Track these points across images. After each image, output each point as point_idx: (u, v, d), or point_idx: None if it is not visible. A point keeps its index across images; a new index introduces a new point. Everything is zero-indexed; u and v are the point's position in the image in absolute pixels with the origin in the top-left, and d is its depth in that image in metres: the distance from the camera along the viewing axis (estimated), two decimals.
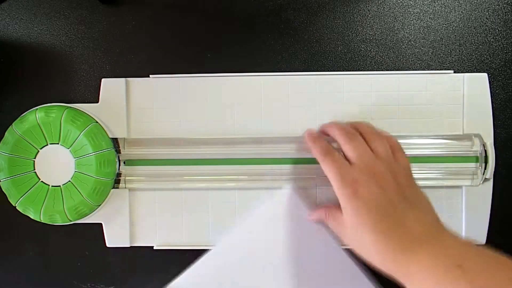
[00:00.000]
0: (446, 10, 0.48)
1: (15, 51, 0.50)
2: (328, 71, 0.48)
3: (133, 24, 0.49)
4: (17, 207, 0.47)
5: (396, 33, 0.48)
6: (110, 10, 0.49)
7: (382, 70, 0.48)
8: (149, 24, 0.49)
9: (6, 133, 0.47)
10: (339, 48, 0.49)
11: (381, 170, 0.40)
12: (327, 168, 0.41)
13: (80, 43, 0.49)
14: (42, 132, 0.47)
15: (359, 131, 0.43)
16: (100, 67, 0.49)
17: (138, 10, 0.49)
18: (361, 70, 0.48)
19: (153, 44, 0.49)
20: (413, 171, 0.46)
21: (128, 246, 0.49)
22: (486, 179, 0.47)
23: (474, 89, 0.47)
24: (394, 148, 0.43)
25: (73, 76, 0.49)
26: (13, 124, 0.47)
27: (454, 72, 0.48)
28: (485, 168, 0.47)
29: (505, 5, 0.48)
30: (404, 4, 0.48)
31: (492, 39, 0.48)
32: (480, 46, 0.48)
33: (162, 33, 0.49)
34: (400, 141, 0.47)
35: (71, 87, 0.49)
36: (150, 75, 0.48)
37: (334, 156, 0.41)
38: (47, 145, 0.47)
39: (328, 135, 0.45)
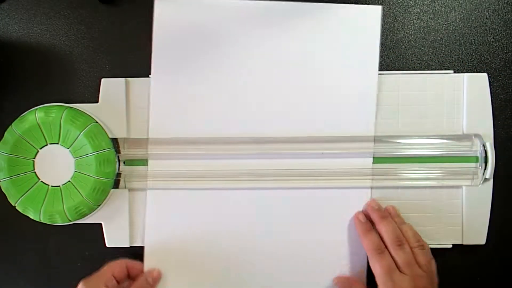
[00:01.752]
0: (446, 10, 0.48)
1: (15, 51, 0.50)
2: None
3: (133, 24, 0.49)
4: (16, 207, 0.47)
5: (396, 33, 0.48)
6: (110, 10, 0.49)
7: (382, 70, 0.48)
8: (149, 24, 0.49)
9: (5, 133, 0.47)
10: None
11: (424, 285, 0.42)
12: (377, 265, 0.43)
13: (80, 43, 0.49)
14: (42, 132, 0.47)
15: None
16: (100, 67, 0.49)
17: (138, 10, 0.49)
18: None
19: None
20: (413, 171, 0.47)
21: (128, 246, 0.49)
22: (486, 179, 0.47)
23: (474, 89, 0.47)
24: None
25: (73, 76, 0.49)
26: (12, 124, 0.47)
27: (454, 72, 0.48)
28: (485, 168, 0.47)
29: (505, 5, 0.48)
30: (404, 4, 0.48)
31: (492, 39, 0.48)
32: (480, 46, 0.48)
33: None
34: (401, 141, 0.47)
35: (71, 87, 0.49)
36: (150, 75, 0.48)
37: (385, 257, 0.44)
38: (46, 145, 0.47)
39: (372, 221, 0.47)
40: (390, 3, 0.48)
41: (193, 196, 0.48)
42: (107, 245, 0.49)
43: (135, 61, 0.49)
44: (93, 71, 0.49)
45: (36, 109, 0.47)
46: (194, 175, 0.48)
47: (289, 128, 0.47)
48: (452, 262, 0.49)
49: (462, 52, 0.48)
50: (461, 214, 0.48)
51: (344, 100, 0.47)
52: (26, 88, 0.50)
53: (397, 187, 0.48)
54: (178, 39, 0.48)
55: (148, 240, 0.48)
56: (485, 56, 0.48)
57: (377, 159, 0.47)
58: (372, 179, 0.47)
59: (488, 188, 0.47)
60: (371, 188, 0.48)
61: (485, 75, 0.47)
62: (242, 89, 0.48)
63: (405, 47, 0.48)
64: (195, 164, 0.48)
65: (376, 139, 0.47)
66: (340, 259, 0.48)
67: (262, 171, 0.48)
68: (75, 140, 0.47)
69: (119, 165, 0.48)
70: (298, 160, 0.48)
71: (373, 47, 0.47)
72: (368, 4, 0.48)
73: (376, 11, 0.47)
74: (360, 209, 0.47)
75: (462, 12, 0.48)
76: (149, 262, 0.48)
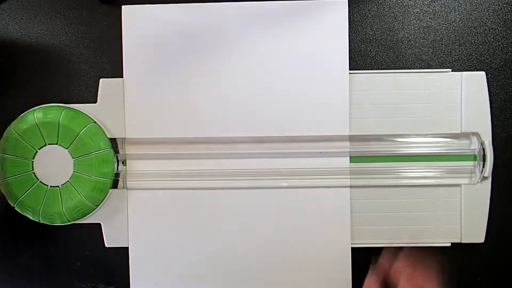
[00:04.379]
0: (446, 10, 0.48)
1: (15, 51, 0.49)
2: None
3: None
4: (15, 208, 0.47)
5: (396, 33, 0.49)
6: (110, 10, 0.49)
7: (381, 69, 0.48)
8: None
9: (4, 133, 0.47)
10: None
11: None
12: None
13: (80, 43, 0.49)
14: (41, 132, 0.47)
15: None
16: (100, 67, 0.49)
17: None
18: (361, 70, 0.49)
19: None
20: (411, 170, 0.47)
21: (127, 246, 0.49)
22: (484, 178, 0.47)
23: (472, 87, 0.47)
24: None
25: (73, 76, 0.49)
26: (11, 124, 0.47)
27: (453, 71, 0.48)
28: (483, 167, 0.47)
29: (505, 5, 0.48)
30: (404, 4, 0.48)
31: (492, 39, 0.48)
32: (480, 46, 0.48)
33: None
34: (399, 139, 0.48)
35: (71, 87, 0.49)
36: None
37: None
38: (45, 145, 0.47)
39: None
40: (390, 3, 0.49)
41: (179, 196, 0.48)
42: (106, 245, 0.49)
43: None
44: (93, 71, 0.49)
45: (35, 109, 0.47)
46: (183, 174, 0.48)
47: (264, 128, 0.48)
48: (451, 260, 0.49)
49: (462, 52, 0.48)
50: (460, 213, 0.48)
51: (318, 100, 0.47)
52: (26, 88, 0.49)
53: (380, 186, 0.48)
54: (149, 41, 0.48)
55: (132, 241, 0.49)
56: (485, 56, 0.48)
57: (354, 158, 0.48)
58: (350, 178, 0.48)
59: (486, 186, 0.48)
60: (350, 187, 0.48)
61: (483, 73, 0.47)
62: (218, 89, 0.48)
63: (405, 47, 0.48)
64: (182, 163, 0.48)
65: (356, 138, 0.48)
66: (325, 258, 0.48)
67: (243, 170, 0.48)
68: (74, 140, 0.47)
69: (117, 165, 0.48)
70: (276, 159, 0.48)
71: (342, 44, 0.47)
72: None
73: (342, 5, 0.47)
74: (340, 207, 0.48)
75: (462, 12, 0.48)
76: (135, 263, 0.49)
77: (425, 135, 0.48)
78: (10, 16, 0.49)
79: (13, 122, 0.47)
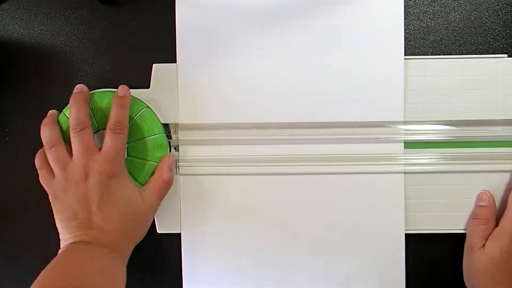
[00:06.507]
0: (446, 11, 0.48)
1: (15, 51, 0.50)
2: None
3: (133, 24, 0.49)
4: None
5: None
6: (110, 10, 0.49)
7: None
8: (149, 24, 0.49)
9: (58, 118, 0.46)
10: None
11: None
12: None
13: (80, 43, 0.49)
14: (94, 117, 0.46)
15: None
16: (100, 67, 0.49)
17: (138, 10, 0.49)
18: None
19: (153, 44, 0.49)
20: (466, 156, 0.48)
21: (179, 232, 0.49)
22: None
23: None
24: None
25: (73, 76, 0.49)
26: (64, 110, 0.46)
27: (509, 56, 0.48)
28: None
29: (505, 5, 0.48)
30: (404, 4, 0.48)
31: (492, 39, 0.48)
32: (480, 47, 0.48)
33: (162, 33, 0.49)
34: (454, 125, 0.48)
35: (71, 87, 0.49)
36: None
37: None
38: (98, 130, 0.47)
39: None
40: None
41: (232, 182, 0.48)
42: (158, 231, 0.49)
43: (135, 61, 0.49)
44: (93, 71, 0.49)
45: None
46: (236, 160, 0.48)
47: (318, 114, 0.48)
48: None
49: (462, 52, 0.48)
50: None
51: (373, 85, 0.47)
52: (27, 88, 0.50)
53: (434, 172, 0.48)
54: (202, 27, 0.48)
55: (185, 227, 0.49)
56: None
57: (409, 144, 0.48)
58: (405, 164, 0.48)
59: None
60: (404, 173, 0.48)
61: None
62: (270, 74, 0.48)
63: (405, 47, 0.48)
64: (235, 149, 0.49)
65: (411, 124, 0.48)
66: (378, 244, 0.48)
67: (297, 156, 0.48)
68: (128, 125, 0.46)
69: (170, 150, 0.48)
70: (331, 145, 0.48)
71: (397, 30, 0.47)
72: None
73: None
74: (394, 193, 0.48)
75: (462, 12, 0.48)
76: (187, 249, 0.49)
77: (480, 121, 0.48)
78: (11, 16, 0.50)
79: (65, 107, 0.46)
